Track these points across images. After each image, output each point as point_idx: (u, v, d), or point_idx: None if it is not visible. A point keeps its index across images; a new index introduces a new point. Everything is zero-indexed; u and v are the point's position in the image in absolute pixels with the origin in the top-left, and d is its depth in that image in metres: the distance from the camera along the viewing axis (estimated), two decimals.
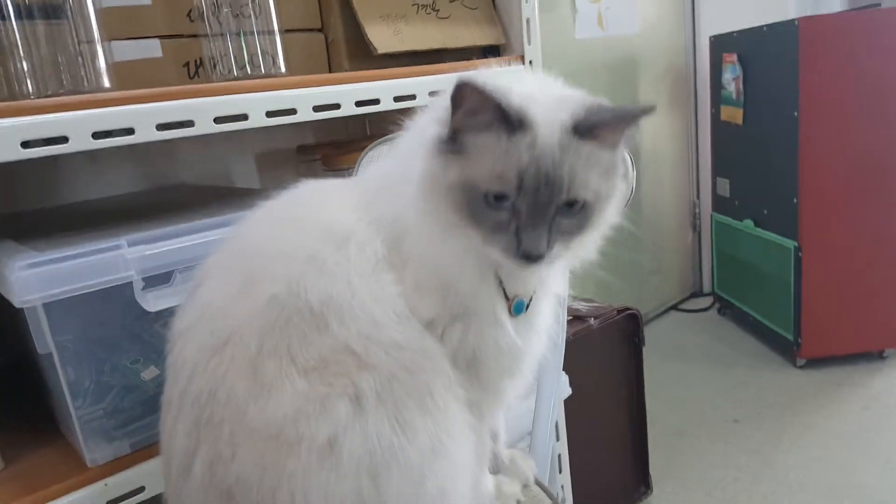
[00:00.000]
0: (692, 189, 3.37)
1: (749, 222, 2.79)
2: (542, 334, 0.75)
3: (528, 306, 0.71)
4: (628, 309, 1.74)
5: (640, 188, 3.07)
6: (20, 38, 0.89)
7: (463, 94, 0.59)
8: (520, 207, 0.60)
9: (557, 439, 1.45)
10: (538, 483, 0.93)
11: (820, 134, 2.36)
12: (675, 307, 3.36)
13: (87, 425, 0.88)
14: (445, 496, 0.65)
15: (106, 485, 0.88)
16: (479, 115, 0.60)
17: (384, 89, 1.09)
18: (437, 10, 1.25)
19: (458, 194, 0.61)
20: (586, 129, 0.60)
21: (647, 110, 0.62)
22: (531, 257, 0.59)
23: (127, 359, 0.92)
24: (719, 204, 3.05)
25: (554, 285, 0.76)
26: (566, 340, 1.53)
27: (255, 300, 0.64)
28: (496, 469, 0.89)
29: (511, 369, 0.73)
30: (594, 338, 1.65)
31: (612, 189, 0.65)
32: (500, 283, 0.68)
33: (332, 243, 0.66)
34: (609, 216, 0.67)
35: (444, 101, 0.62)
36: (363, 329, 0.64)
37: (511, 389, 0.76)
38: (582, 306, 1.72)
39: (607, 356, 1.75)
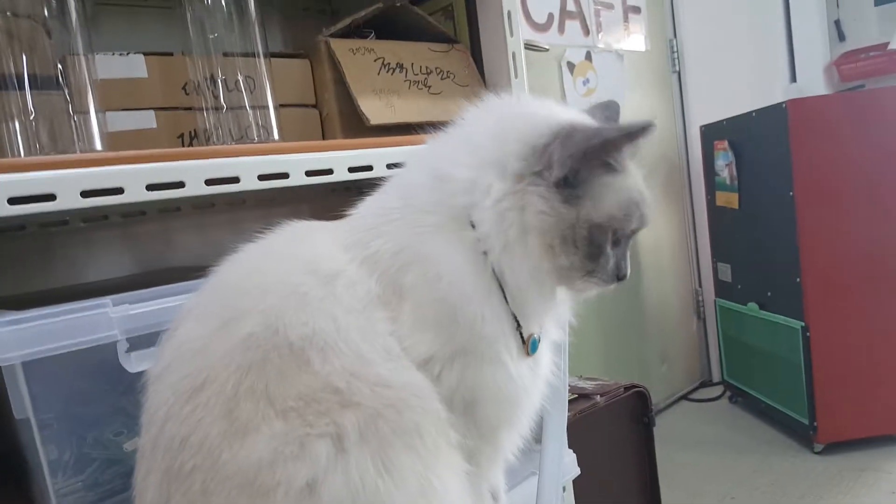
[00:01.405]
0: (693, 276, 3.36)
1: (753, 305, 2.75)
2: (542, 380, 0.72)
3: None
4: (636, 386, 1.68)
5: (641, 279, 3.07)
6: (14, 107, 0.91)
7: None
8: (616, 239, 0.69)
9: None
10: None
11: (817, 211, 2.38)
12: (684, 397, 3.26)
13: (64, 499, 0.83)
14: None
15: None
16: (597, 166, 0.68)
17: (377, 157, 1.10)
18: (429, 87, 1.28)
19: (582, 233, 0.66)
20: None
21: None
22: (623, 279, 0.70)
23: (110, 431, 0.88)
24: (722, 289, 3.03)
25: (553, 329, 0.74)
26: (570, 419, 1.48)
27: (231, 339, 0.61)
28: None
29: (510, 416, 0.69)
30: (601, 416, 1.59)
31: None
32: (517, 322, 0.67)
33: (317, 278, 0.64)
34: None
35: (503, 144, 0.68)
36: (347, 365, 0.61)
37: (509, 440, 0.72)
38: (587, 384, 1.67)
39: (616, 436, 1.68)
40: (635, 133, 0.67)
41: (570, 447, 1.37)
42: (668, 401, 3.17)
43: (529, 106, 0.75)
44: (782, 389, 2.62)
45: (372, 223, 0.70)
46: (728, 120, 2.76)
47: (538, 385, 0.72)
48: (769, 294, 2.65)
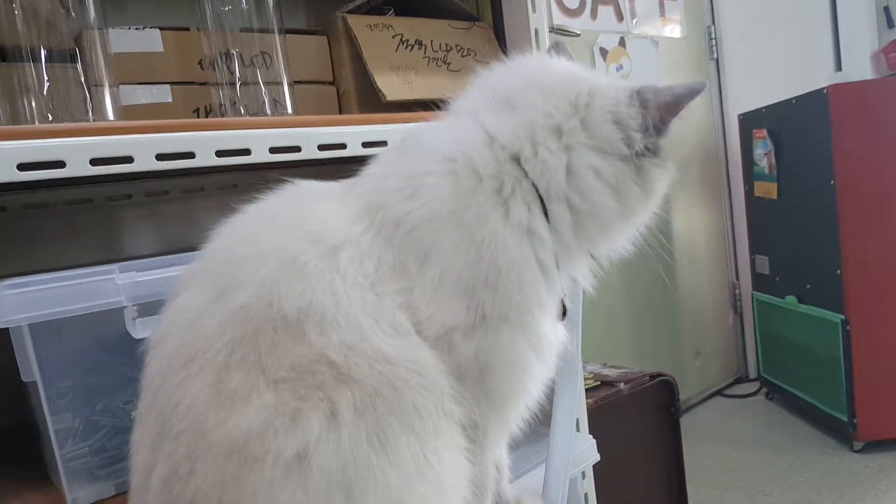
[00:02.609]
0: (730, 269, 3.28)
1: (792, 299, 2.67)
2: (556, 350, 0.71)
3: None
4: (661, 374, 1.64)
5: (676, 271, 3.00)
6: (30, 79, 0.92)
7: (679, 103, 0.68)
8: None
9: None
10: None
11: (859, 201, 2.29)
12: (719, 393, 3.19)
13: (70, 464, 0.84)
14: None
15: None
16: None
17: (392, 132, 1.08)
18: (449, 64, 1.27)
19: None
20: None
21: None
22: None
23: (120, 399, 0.89)
24: (759, 282, 2.95)
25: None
26: (591, 406, 1.45)
27: (225, 310, 0.60)
28: None
29: (523, 384, 0.67)
30: (624, 404, 1.56)
31: None
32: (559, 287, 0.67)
33: (318, 247, 0.62)
34: None
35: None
36: (346, 339, 0.59)
37: (516, 410, 0.69)
38: (611, 372, 1.64)
39: (640, 425, 1.64)
40: (697, 91, 0.68)
41: (591, 433, 1.34)
42: (702, 396, 3.10)
43: (559, 64, 0.74)
44: (821, 386, 2.54)
45: (398, 184, 0.66)
46: (767, 108, 2.68)
47: (552, 354, 0.70)
48: (808, 287, 2.57)
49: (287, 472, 0.55)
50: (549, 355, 0.69)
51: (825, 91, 2.29)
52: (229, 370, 0.57)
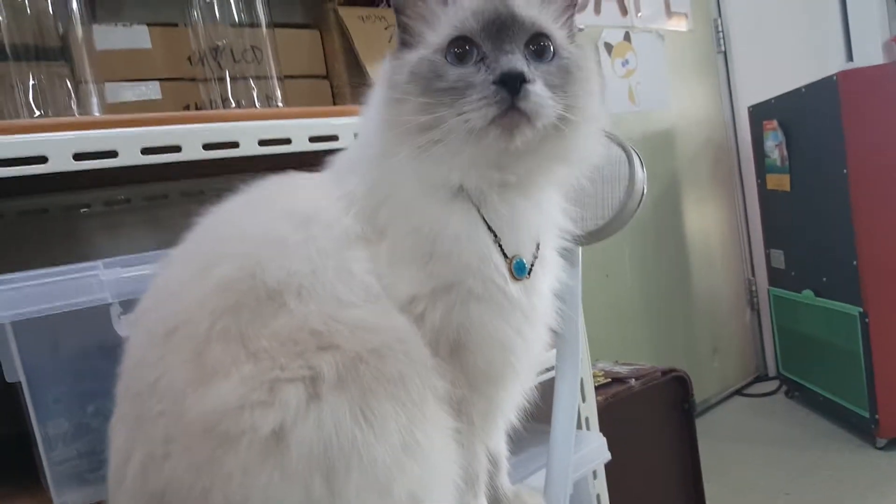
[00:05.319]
0: (745, 265, 3.22)
1: (809, 293, 2.61)
2: (541, 323, 0.66)
3: (529, 272, 0.63)
4: (674, 370, 1.60)
5: (690, 268, 2.96)
6: (16, 77, 0.91)
7: None
8: (486, 50, 0.58)
9: None
10: None
11: (873, 189, 2.24)
12: (738, 392, 3.13)
13: (58, 467, 0.82)
14: None
15: None
16: None
17: None
18: None
19: (423, 71, 0.58)
20: None
21: None
22: (511, 76, 0.55)
23: (112, 401, 0.87)
24: (775, 277, 2.89)
25: (553, 261, 0.67)
26: (602, 404, 1.41)
27: (207, 283, 0.58)
28: None
29: (502, 362, 0.63)
30: (636, 401, 1.52)
31: (581, 50, 0.63)
32: (496, 238, 0.61)
33: (293, 221, 0.61)
34: (591, 82, 0.63)
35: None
36: (326, 308, 0.57)
37: (505, 393, 0.66)
38: (622, 368, 1.60)
39: (653, 423, 1.60)
40: None
41: (601, 432, 1.31)
42: (721, 395, 3.04)
43: None
44: (841, 381, 2.48)
45: (345, 167, 0.68)
46: (777, 98, 2.63)
47: (537, 328, 0.66)
48: (825, 280, 2.51)
49: (263, 454, 0.52)
50: (531, 328, 0.65)
51: (835, 78, 2.25)
52: (210, 342, 0.56)
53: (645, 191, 0.79)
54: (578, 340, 0.82)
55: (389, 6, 1.23)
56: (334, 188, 0.65)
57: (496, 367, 0.63)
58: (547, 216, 0.66)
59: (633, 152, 0.78)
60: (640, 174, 0.78)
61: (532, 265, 0.63)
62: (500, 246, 0.61)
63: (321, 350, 0.55)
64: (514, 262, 0.62)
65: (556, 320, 0.69)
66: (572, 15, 0.65)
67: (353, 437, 0.53)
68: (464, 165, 0.59)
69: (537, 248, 0.65)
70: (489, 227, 0.61)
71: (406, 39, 0.62)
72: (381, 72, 0.65)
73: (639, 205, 0.78)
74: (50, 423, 0.82)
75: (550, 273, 0.67)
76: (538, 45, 0.59)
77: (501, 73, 0.55)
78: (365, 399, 0.55)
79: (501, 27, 0.58)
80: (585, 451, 1.19)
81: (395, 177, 0.61)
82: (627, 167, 0.77)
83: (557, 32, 0.62)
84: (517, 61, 0.56)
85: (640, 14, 2.65)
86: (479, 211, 0.61)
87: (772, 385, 3.09)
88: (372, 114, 0.64)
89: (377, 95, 0.64)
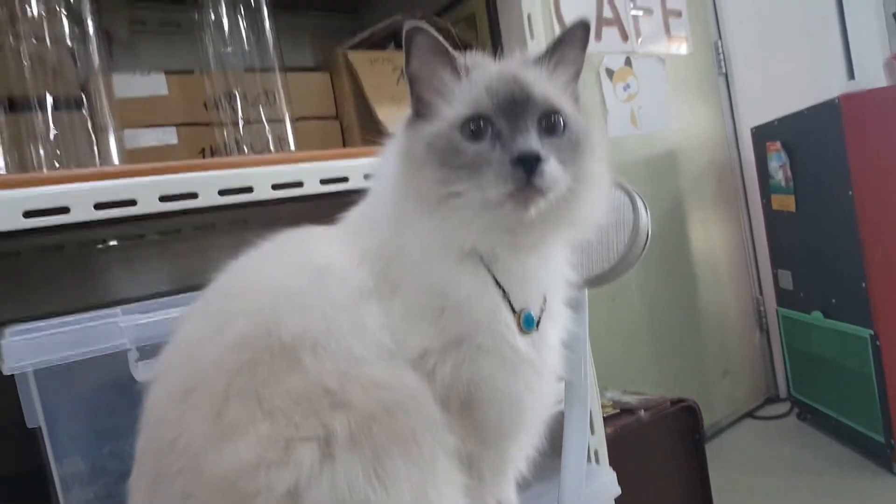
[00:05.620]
0: (753, 285, 3.22)
1: (818, 314, 2.61)
2: (550, 374, 0.68)
3: (538, 324, 0.64)
4: (683, 401, 1.61)
5: (698, 289, 2.96)
6: (38, 127, 0.94)
7: (412, 37, 0.63)
8: (500, 127, 0.60)
9: None
10: None
11: (879, 209, 2.24)
12: (749, 415, 3.10)
13: None
14: None
15: None
16: (434, 60, 0.63)
17: None
18: None
19: (440, 146, 0.61)
20: (543, 54, 0.65)
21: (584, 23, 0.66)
22: (528, 157, 0.58)
23: (128, 443, 0.88)
24: (784, 298, 2.89)
25: (560, 313, 0.69)
26: (610, 435, 1.42)
27: (224, 341, 0.60)
28: None
29: (513, 417, 0.65)
30: (645, 432, 1.52)
31: (585, 118, 0.66)
32: (505, 294, 0.63)
33: (309, 275, 0.63)
34: (597, 151, 0.66)
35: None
36: (340, 365, 0.59)
37: (515, 446, 0.67)
38: (631, 398, 1.61)
39: (663, 454, 1.60)
40: None
41: (610, 465, 1.31)
42: (731, 419, 3.02)
43: None
44: (854, 404, 2.46)
45: (360, 220, 0.70)
46: (779, 120, 2.65)
47: (546, 381, 0.67)
48: (833, 301, 2.51)
49: None
50: (540, 382, 0.66)
51: (837, 101, 2.27)
52: (228, 400, 0.57)
53: (649, 234, 0.80)
54: (587, 388, 0.84)
55: (397, 48, 1.26)
56: (349, 243, 0.66)
57: (506, 420, 0.65)
58: (554, 271, 0.68)
59: (636, 197, 0.80)
60: (644, 218, 0.80)
61: (540, 318, 0.65)
62: (508, 301, 0.63)
63: (334, 408, 0.57)
64: (523, 315, 0.64)
65: (564, 369, 0.71)
66: (577, 81, 0.67)
67: (367, 498, 0.55)
68: (478, 232, 0.61)
69: (544, 300, 0.66)
70: (498, 284, 0.63)
71: (420, 111, 0.65)
72: (395, 140, 0.67)
73: (643, 249, 0.79)
74: (66, 463, 0.83)
75: (558, 324, 0.68)
76: (550, 122, 0.62)
77: (519, 153, 0.58)
78: (377, 458, 0.56)
79: (516, 105, 0.61)
80: (596, 486, 1.19)
81: (408, 236, 0.63)
82: (632, 212, 0.79)
83: (566, 104, 0.64)
84: (532, 141, 0.59)
85: (640, 39, 2.69)
86: (488, 269, 0.63)
87: (783, 407, 3.07)
88: (386, 177, 0.66)
89: (392, 162, 0.66)
